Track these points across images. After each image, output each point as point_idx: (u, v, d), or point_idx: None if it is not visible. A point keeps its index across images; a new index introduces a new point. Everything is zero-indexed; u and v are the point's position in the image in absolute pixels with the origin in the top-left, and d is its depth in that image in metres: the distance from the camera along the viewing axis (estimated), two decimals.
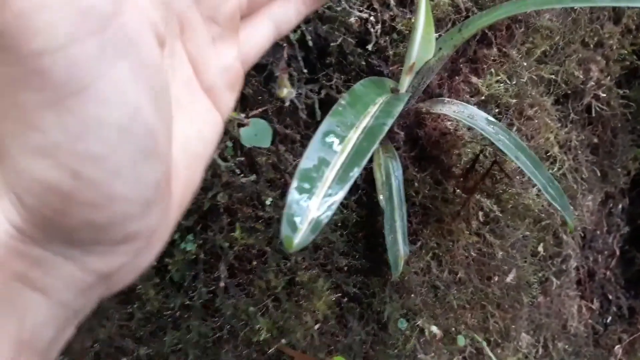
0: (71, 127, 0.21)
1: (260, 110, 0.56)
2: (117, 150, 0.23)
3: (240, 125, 0.51)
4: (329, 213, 0.36)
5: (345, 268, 0.61)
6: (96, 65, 0.21)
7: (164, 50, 0.28)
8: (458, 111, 0.57)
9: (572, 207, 0.57)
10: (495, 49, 0.65)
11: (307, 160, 0.38)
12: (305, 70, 0.56)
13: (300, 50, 0.56)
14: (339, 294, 0.61)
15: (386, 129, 0.42)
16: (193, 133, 0.31)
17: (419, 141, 0.64)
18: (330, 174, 0.38)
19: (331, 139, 0.39)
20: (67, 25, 0.20)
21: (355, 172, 0.38)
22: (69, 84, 0.21)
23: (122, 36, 0.22)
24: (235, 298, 0.57)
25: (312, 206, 0.36)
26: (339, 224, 0.60)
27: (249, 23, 0.35)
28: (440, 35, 0.56)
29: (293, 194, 0.36)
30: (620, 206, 0.87)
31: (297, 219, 0.36)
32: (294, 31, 0.55)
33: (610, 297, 0.94)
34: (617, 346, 0.95)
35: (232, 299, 0.57)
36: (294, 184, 0.37)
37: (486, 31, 0.64)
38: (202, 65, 0.32)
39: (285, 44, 0.54)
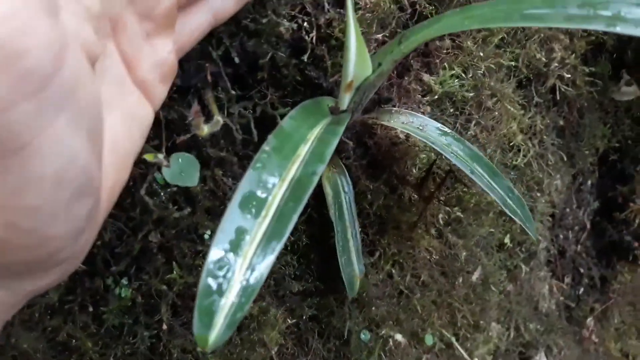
0: (9, 184, 0.21)
1: (188, 136, 0.50)
2: (53, 199, 0.23)
3: (162, 166, 0.46)
4: (247, 301, 0.32)
5: (300, 292, 0.58)
6: (35, 123, 0.21)
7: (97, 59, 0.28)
8: (407, 122, 0.52)
9: (532, 219, 0.53)
10: (448, 41, 0.59)
11: (222, 235, 0.33)
12: (233, 89, 0.51)
13: (226, 67, 0.50)
14: (295, 320, 0.58)
15: (316, 179, 0.37)
16: (123, 133, 0.32)
17: (370, 150, 0.59)
18: (248, 249, 0.33)
19: (251, 203, 0.34)
20: (5, 91, 0.20)
21: (279, 245, 0.33)
22: (7, 143, 0.20)
23: (62, 91, 0.22)
24: (182, 338, 0.53)
25: (226, 298, 0.32)
26: (289, 248, 0.56)
27: (187, 12, 0.36)
28: (375, 48, 0.50)
29: (205, 282, 0.32)
30: (589, 182, 0.84)
31: (210, 315, 0.32)
32: (217, 48, 0.49)
33: (581, 270, 0.93)
34: (588, 319, 0.95)
35: (178, 339, 0.53)
36: (207, 268, 0.32)
37: None
38: (135, 62, 0.33)
39: (207, 64, 0.48)
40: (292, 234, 0.55)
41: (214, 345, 0.31)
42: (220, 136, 0.52)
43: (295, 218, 0.34)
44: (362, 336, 0.64)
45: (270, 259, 0.32)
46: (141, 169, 0.50)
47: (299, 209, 0.35)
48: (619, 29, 0.33)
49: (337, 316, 0.61)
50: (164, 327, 0.52)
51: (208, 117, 0.49)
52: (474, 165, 0.51)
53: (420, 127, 0.51)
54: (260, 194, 0.35)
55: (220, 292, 0.32)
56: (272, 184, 0.36)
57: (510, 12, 0.36)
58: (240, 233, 0.33)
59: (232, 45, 0.49)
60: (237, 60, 0.49)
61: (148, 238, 0.51)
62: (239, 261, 0.33)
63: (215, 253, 0.33)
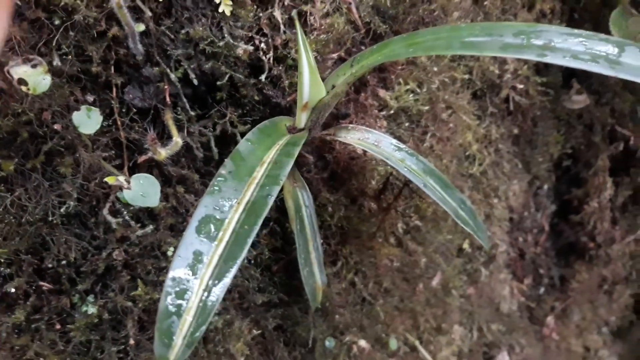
0: None
1: (149, 155, 0.52)
2: None
3: (125, 188, 0.47)
4: (204, 321, 0.34)
5: (264, 304, 0.59)
6: None
7: None
8: (363, 138, 0.54)
9: (484, 228, 0.56)
10: (403, 57, 0.61)
11: (180, 261, 0.35)
12: (193, 109, 0.52)
13: (185, 88, 0.51)
14: (260, 331, 0.60)
15: (271, 200, 0.39)
16: None
17: (330, 164, 0.61)
18: (205, 272, 0.35)
19: (207, 227, 0.36)
20: None
21: (235, 267, 0.35)
22: None
23: None
24: (149, 352, 0.55)
25: (184, 319, 0.34)
26: (252, 261, 0.57)
27: None
28: (332, 66, 0.52)
29: (164, 305, 0.34)
30: (546, 186, 0.87)
31: (169, 335, 0.33)
32: (175, 69, 0.50)
33: (541, 271, 0.96)
34: (549, 317, 0.98)
35: (146, 353, 0.55)
36: (165, 291, 0.34)
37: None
38: None
39: (166, 86, 0.50)
40: (254, 247, 0.57)
41: None
42: (181, 154, 0.53)
43: (250, 241, 0.36)
44: (327, 343, 0.66)
45: (226, 281, 0.34)
46: (104, 189, 0.52)
47: (254, 231, 0.36)
48: (549, 59, 0.36)
49: (302, 325, 0.63)
50: (131, 342, 0.53)
51: (168, 137, 0.50)
52: (427, 178, 0.53)
53: (376, 143, 0.53)
54: (216, 217, 0.36)
55: (179, 313, 0.33)
56: (229, 207, 0.37)
57: (450, 40, 0.39)
58: (197, 256, 0.35)
59: (190, 67, 0.50)
60: (195, 81, 0.51)
61: (112, 256, 0.52)
62: (196, 283, 0.34)
63: (173, 276, 0.34)
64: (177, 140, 0.48)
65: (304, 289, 0.60)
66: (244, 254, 0.35)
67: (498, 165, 0.74)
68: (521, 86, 0.72)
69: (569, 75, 0.77)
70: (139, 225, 0.53)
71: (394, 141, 0.53)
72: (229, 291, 0.57)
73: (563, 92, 0.78)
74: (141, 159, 0.52)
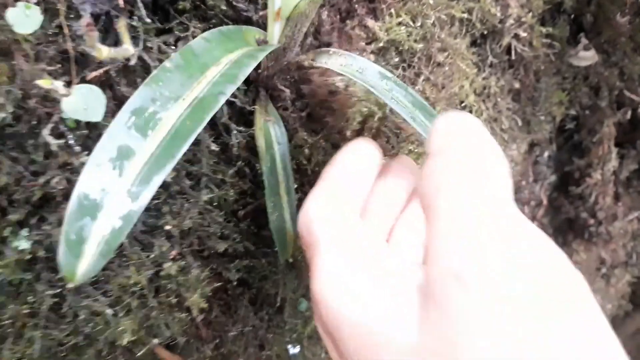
0: None
1: (100, 72, 0.45)
2: None
3: (63, 95, 0.40)
4: (126, 226, 0.27)
5: (226, 253, 0.53)
6: None
7: None
8: (346, 64, 0.47)
9: None
10: None
11: (101, 153, 0.28)
12: (152, 21, 0.45)
13: None
14: (221, 283, 0.53)
15: (223, 99, 0.32)
16: None
17: (309, 101, 0.54)
18: (132, 170, 0.28)
19: (140, 120, 0.29)
20: None
21: (168, 166, 0.28)
22: None
23: None
24: (90, 298, 0.48)
25: (101, 222, 0.27)
26: (214, 204, 0.51)
27: None
28: None
29: (75, 204, 0.27)
30: (546, 154, 0.81)
31: (80, 241, 0.27)
32: None
33: None
34: None
35: (86, 300, 0.48)
36: (78, 189, 0.27)
37: None
38: None
39: None
40: (218, 187, 0.50)
41: (83, 278, 0.26)
42: (136, 73, 0.47)
43: (191, 138, 0.29)
44: (301, 306, 0.60)
45: (156, 182, 0.27)
46: (46, 108, 0.45)
47: (198, 128, 0.30)
48: None
49: (270, 281, 0.56)
50: (70, 285, 0.47)
51: (116, 44, 0.43)
52: (415, 112, 0.46)
53: (360, 70, 0.46)
54: (152, 110, 0.29)
55: (94, 215, 0.27)
56: (170, 101, 0.31)
57: None
58: (124, 152, 0.28)
59: None
60: None
61: (51, 184, 0.45)
62: (118, 182, 0.27)
63: (91, 172, 0.27)
64: (128, 47, 0.41)
65: (273, 240, 0.53)
66: (182, 152, 0.28)
67: (496, 121, 0.68)
68: (524, 34, 0.65)
69: (578, 29, 0.71)
70: (86, 153, 0.46)
71: (381, 69, 0.47)
72: (185, 234, 0.50)
73: (569, 48, 0.71)
74: (91, 75, 0.45)
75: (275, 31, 0.43)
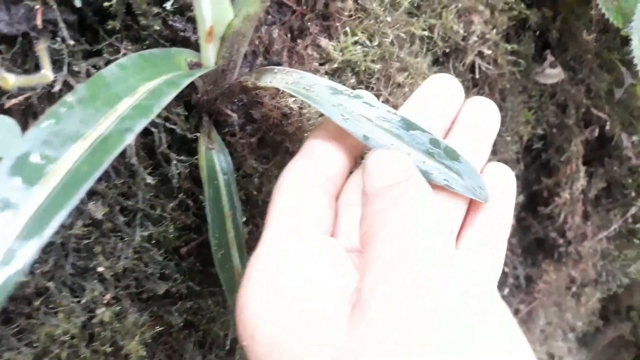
0: None
1: (20, 99, 0.40)
2: None
3: None
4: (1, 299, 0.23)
5: (168, 294, 0.48)
6: None
7: None
8: (293, 82, 0.42)
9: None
10: (350, 1, 0.51)
11: None
12: (78, 42, 0.41)
13: (66, 13, 0.40)
14: (163, 327, 0.48)
15: (129, 137, 0.28)
16: None
17: (260, 126, 0.50)
18: (12, 228, 0.23)
19: (26, 167, 0.25)
20: None
21: (56, 221, 0.24)
22: None
23: None
24: (13, 351, 0.43)
25: None
26: (153, 241, 0.46)
27: None
28: None
29: None
30: (514, 174, 0.78)
31: None
32: None
33: (506, 269, 0.87)
34: None
35: (7, 353, 0.43)
36: None
37: None
38: None
39: (37, 6, 0.38)
40: (157, 223, 0.46)
41: None
42: (57, 99, 0.42)
43: (87, 186, 0.25)
44: None
45: (39, 240, 0.23)
46: None
47: (95, 173, 0.25)
48: None
49: (219, 323, 0.52)
50: None
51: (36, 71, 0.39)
52: (373, 129, 0.41)
53: (307, 87, 0.42)
54: (44, 155, 0.25)
55: None
56: (66, 142, 0.26)
57: None
58: (6, 205, 0.23)
59: None
60: (78, 3, 0.40)
61: None
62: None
63: None
64: (47, 73, 0.37)
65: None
66: (72, 204, 0.24)
67: None
68: (489, 52, 0.62)
69: (543, 46, 0.69)
70: None
71: (332, 84, 0.42)
72: (121, 276, 0.46)
73: (535, 65, 0.69)
74: (9, 102, 0.40)
75: (209, 53, 0.39)
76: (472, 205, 0.43)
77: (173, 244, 0.47)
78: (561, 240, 0.84)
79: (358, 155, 0.42)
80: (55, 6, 0.39)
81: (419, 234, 0.32)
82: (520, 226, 0.86)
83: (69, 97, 0.27)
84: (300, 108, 0.49)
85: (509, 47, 0.64)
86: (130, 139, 0.27)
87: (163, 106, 0.29)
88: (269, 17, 0.50)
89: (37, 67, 0.41)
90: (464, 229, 0.43)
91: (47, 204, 0.23)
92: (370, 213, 0.35)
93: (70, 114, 0.27)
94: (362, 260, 0.34)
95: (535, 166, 0.79)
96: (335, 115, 0.40)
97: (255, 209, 0.52)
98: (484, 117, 0.44)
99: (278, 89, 0.48)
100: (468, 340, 0.28)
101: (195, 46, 0.43)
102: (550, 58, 0.68)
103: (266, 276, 0.34)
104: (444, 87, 0.44)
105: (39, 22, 0.39)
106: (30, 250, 0.22)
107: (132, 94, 0.30)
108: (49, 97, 0.42)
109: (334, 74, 0.51)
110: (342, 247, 0.38)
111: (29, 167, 0.24)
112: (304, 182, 0.39)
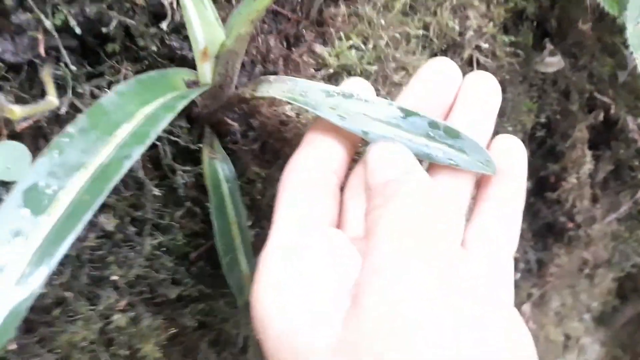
0: None
1: (30, 122, 0.42)
2: None
3: None
4: (14, 323, 0.25)
5: (181, 298, 0.50)
6: None
7: None
8: (289, 90, 0.44)
9: None
10: (343, 6, 0.52)
11: None
12: (82, 65, 0.43)
13: (68, 39, 0.42)
14: (177, 329, 0.51)
15: (128, 164, 0.30)
16: None
17: (260, 132, 0.52)
18: (23, 257, 0.26)
19: (34, 198, 0.27)
20: None
21: (62, 249, 0.26)
22: None
23: None
24: (37, 357, 0.46)
25: None
26: (163, 248, 0.49)
27: None
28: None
29: None
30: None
31: None
32: (52, 16, 0.41)
33: (517, 255, 0.88)
34: (525, 305, 0.90)
35: (33, 359, 0.46)
36: None
37: None
38: None
39: (40, 35, 0.40)
40: (166, 232, 0.48)
41: None
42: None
43: (89, 214, 0.27)
44: None
45: (44, 270, 0.25)
46: None
47: (97, 202, 0.27)
48: None
49: (231, 322, 0.54)
50: (13, 345, 0.45)
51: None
52: (371, 123, 0.43)
53: (302, 93, 0.43)
54: (49, 185, 0.27)
55: None
56: (70, 172, 0.28)
57: None
58: (15, 235, 0.26)
59: (71, 13, 0.41)
60: (78, 30, 0.42)
61: None
62: (8, 271, 0.25)
63: None
64: (51, 99, 0.39)
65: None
66: (77, 231, 0.26)
67: None
68: (486, 46, 0.63)
69: (542, 35, 0.69)
70: None
71: (326, 86, 0.43)
72: (134, 283, 0.48)
73: (535, 54, 0.69)
74: (20, 126, 0.43)
75: (205, 71, 0.41)
76: (483, 180, 0.44)
77: (183, 250, 0.50)
78: (571, 224, 0.85)
79: (358, 142, 0.44)
80: (56, 35, 0.41)
81: (415, 228, 0.33)
82: (530, 211, 0.87)
83: (70, 128, 0.29)
84: (297, 115, 0.51)
85: (506, 38, 0.65)
86: (128, 165, 0.29)
87: (160, 131, 0.31)
88: (265, 26, 0.52)
89: (43, 92, 0.43)
90: (478, 204, 0.44)
91: (53, 233, 0.26)
92: (372, 208, 0.36)
93: (72, 145, 0.29)
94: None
95: (541, 152, 0.79)
96: (332, 117, 0.42)
97: (259, 213, 0.54)
98: (483, 91, 0.45)
99: (274, 99, 0.50)
100: (460, 338, 0.29)
101: (193, 63, 0.44)
102: (549, 46, 0.68)
103: (273, 274, 0.36)
104: (439, 69, 0.45)
105: (41, 50, 0.41)
106: (40, 276, 0.25)
107: (130, 120, 0.32)
108: (58, 119, 0.44)
109: (330, 79, 0.53)
110: (347, 239, 0.39)
111: (36, 198, 0.26)
112: (306, 176, 0.41)
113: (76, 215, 0.26)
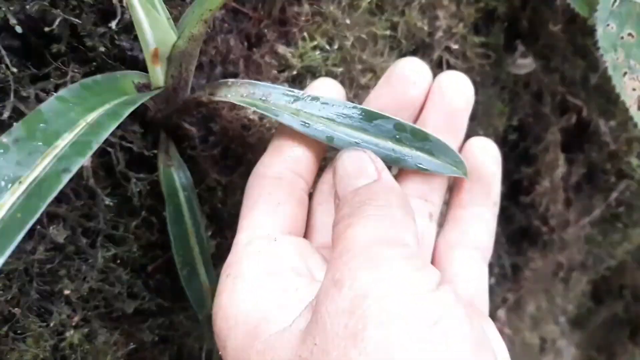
0: None
1: None
2: None
3: None
4: None
5: (138, 312, 0.48)
6: None
7: None
8: (248, 94, 0.42)
9: None
10: (306, 5, 0.50)
11: None
12: (25, 67, 0.40)
13: (9, 39, 0.39)
14: (135, 345, 0.48)
15: (67, 177, 0.27)
16: None
17: (221, 138, 0.49)
18: None
19: None
20: None
21: None
22: None
23: None
24: None
25: None
26: (118, 261, 0.46)
27: None
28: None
29: None
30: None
31: None
32: None
33: (491, 260, 0.87)
34: (499, 310, 0.89)
35: None
36: None
37: None
38: None
39: None
40: (121, 243, 0.46)
41: None
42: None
43: (22, 234, 0.25)
44: None
45: None
46: None
47: (30, 220, 0.25)
48: None
49: (193, 336, 0.52)
50: None
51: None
52: (337, 128, 0.41)
53: (263, 98, 0.41)
54: None
55: None
56: (1, 189, 0.26)
57: None
58: None
59: (11, 10, 0.38)
60: (19, 29, 0.39)
61: None
62: None
63: None
64: None
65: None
66: (5, 255, 0.23)
67: None
68: (456, 46, 0.62)
69: (513, 36, 0.68)
70: None
71: (288, 89, 0.42)
72: (88, 297, 0.45)
73: (506, 56, 0.68)
74: None
75: (157, 73, 0.38)
76: (456, 184, 0.43)
77: (139, 262, 0.47)
78: (544, 228, 0.84)
79: (325, 145, 0.42)
80: None
81: (379, 242, 0.32)
82: (503, 216, 0.85)
83: (4, 138, 0.27)
84: (261, 118, 0.49)
85: (477, 39, 0.64)
86: (66, 179, 0.26)
87: (102, 141, 0.29)
88: (225, 25, 0.50)
89: None
90: (451, 208, 0.43)
91: None
92: (341, 218, 0.35)
93: (5, 157, 0.26)
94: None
95: (514, 156, 0.78)
96: (295, 123, 0.40)
97: (221, 222, 0.51)
98: (454, 91, 0.44)
99: (234, 104, 0.47)
100: (414, 344, 0.27)
101: (145, 65, 0.42)
102: (521, 48, 0.67)
103: (231, 288, 0.35)
104: (408, 69, 0.43)
105: None
106: None
107: (71, 128, 0.29)
108: (1, 125, 0.41)
109: (294, 81, 0.51)
110: (312, 247, 0.39)
111: None
112: (272, 182, 0.40)
113: (6, 235, 0.24)
